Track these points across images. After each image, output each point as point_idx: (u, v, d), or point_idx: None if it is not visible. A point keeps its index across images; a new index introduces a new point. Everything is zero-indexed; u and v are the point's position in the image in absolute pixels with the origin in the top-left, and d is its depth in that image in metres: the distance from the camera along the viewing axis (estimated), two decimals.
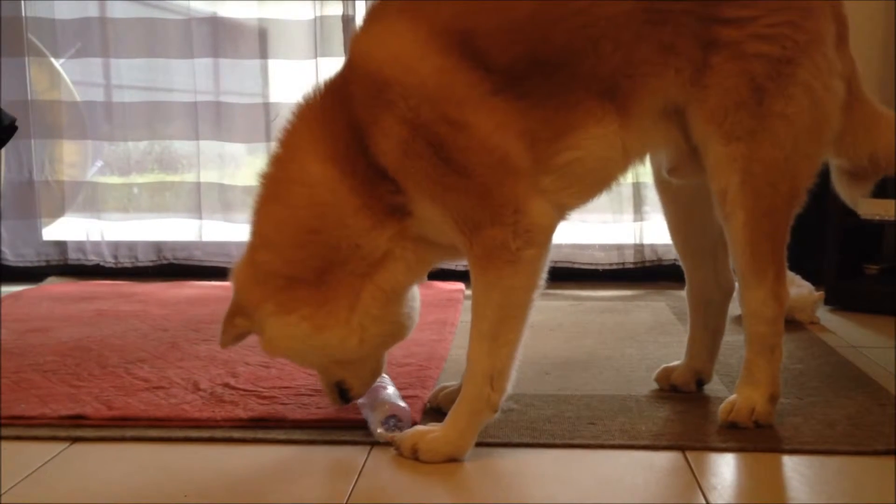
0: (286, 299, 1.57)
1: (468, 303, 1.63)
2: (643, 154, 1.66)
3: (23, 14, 3.41)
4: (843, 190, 1.86)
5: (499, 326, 1.54)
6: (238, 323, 1.63)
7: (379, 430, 1.63)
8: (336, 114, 1.56)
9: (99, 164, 3.63)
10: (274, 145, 1.64)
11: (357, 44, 1.58)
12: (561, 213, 1.60)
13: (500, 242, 1.51)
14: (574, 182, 1.58)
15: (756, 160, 1.60)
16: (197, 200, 3.51)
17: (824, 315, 2.72)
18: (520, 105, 1.51)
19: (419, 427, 1.61)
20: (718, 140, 1.60)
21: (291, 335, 1.59)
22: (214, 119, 3.46)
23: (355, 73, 1.55)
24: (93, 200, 3.57)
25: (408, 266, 1.59)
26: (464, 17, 1.52)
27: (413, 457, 1.56)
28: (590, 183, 1.63)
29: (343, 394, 1.69)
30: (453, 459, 1.55)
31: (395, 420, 1.64)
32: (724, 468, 1.57)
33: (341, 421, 1.74)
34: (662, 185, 1.85)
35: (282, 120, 3.57)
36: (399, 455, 1.57)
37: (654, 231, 3.30)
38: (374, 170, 1.53)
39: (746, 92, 1.58)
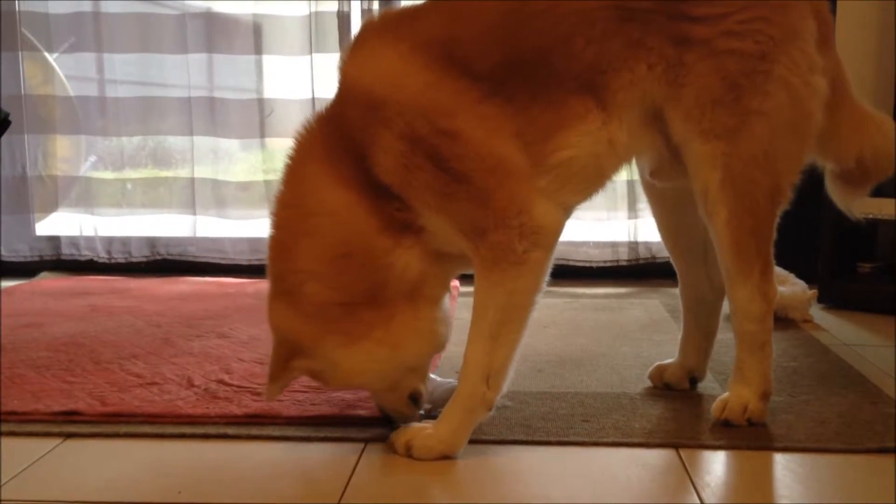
0: (352, 327, 1.54)
1: (463, 300, 1.64)
2: (631, 153, 1.67)
3: (16, 8, 3.40)
4: (836, 196, 1.87)
5: (499, 327, 1.55)
6: (297, 365, 1.56)
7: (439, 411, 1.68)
8: (337, 141, 1.56)
9: (92, 159, 3.62)
10: (279, 184, 1.62)
11: (346, 70, 1.60)
12: (564, 212, 1.62)
13: (505, 245, 1.52)
14: (570, 180, 1.59)
15: (736, 157, 1.60)
16: (191, 196, 3.51)
17: (818, 313, 2.73)
18: (507, 109, 1.53)
19: (413, 424, 1.61)
20: (697, 138, 1.61)
21: (372, 360, 1.56)
22: (208, 115, 3.45)
23: (348, 97, 1.58)
24: (86, 195, 3.56)
25: (437, 280, 1.61)
26: (440, 29, 1.56)
27: (406, 454, 1.56)
28: (585, 179, 1.63)
29: (416, 401, 1.67)
30: (446, 457, 1.55)
31: None
32: (717, 466, 1.57)
33: (336, 418, 1.74)
34: (649, 188, 1.86)
35: (277, 116, 3.55)
36: (392, 452, 1.57)
37: (648, 228, 3.29)
38: (381, 190, 1.54)
39: (722, 89, 1.58)
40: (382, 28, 1.60)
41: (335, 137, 1.57)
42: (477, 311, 1.56)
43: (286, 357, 1.56)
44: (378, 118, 1.52)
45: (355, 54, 1.61)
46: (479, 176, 1.51)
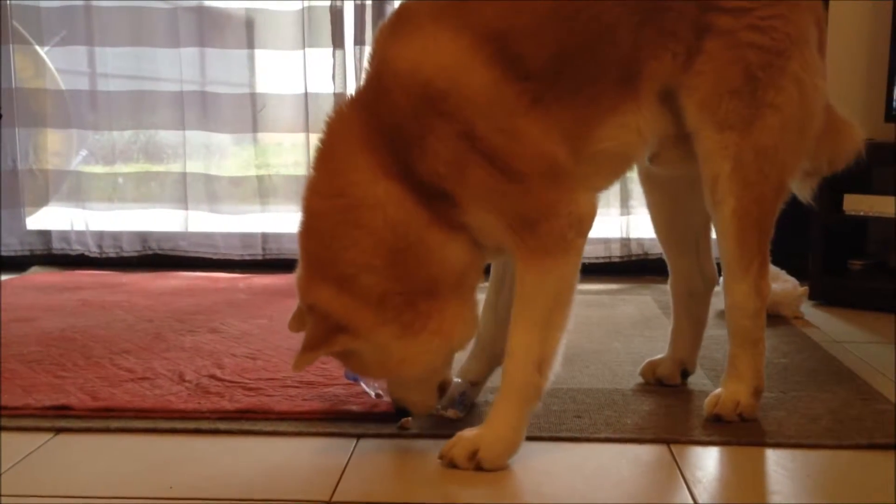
0: (411, 319, 1.52)
1: None
2: (654, 138, 1.67)
3: (7, 1, 3.39)
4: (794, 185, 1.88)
5: (550, 313, 1.54)
6: (342, 340, 1.52)
7: (451, 410, 1.69)
8: (378, 129, 1.52)
9: (83, 153, 3.61)
10: (312, 169, 1.57)
11: (395, 52, 1.53)
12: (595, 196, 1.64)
13: (558, 234, 1.52)
14: (603, 166, 1.62)
15: (747, 149, 1.63)
16: (183, 191, 3.50)
17: (809, 310, 2.74)
18: (556, 108, 1.52)
19: (462, 433, 1.55)
20: (711, 127, 1.63)
21: (426, 350, 1.55)
22: (200, 109, 3.45)
23: (398, 84, 1.50)
24: (77, 190, 3.55)
25: (477, 269, 1.60)
26: (496, 21, 1.52)
27: (474, 467, 1.50)
28: (616, 166, 1.67)
29: (443, 391, 1.66)
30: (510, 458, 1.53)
31: (465, 397, 1.72)
32: (709, 461, 1.58)
33: (328, 413, 1.74)
34: (646, 175, 1.87)
35: (269, 110, 3.53)
36: (451, 467, 1.51)
37: (640, 225, 3.31)
38: (422, 181, 1.50)
39: (741, 80, 1.61)
40: (437, 14, 1.53)
41: (376, 125, 1.52)
42: (525, 300, 1.54)
43: (331, 331, 1.51)
44: (436, 111, 1.48)
45: (407, 39, 1.53)
46: (536, 175, 1.50)
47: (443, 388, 1.65)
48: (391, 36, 1.55)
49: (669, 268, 1.93)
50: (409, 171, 1.50)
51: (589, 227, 1.57)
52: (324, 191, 1.55)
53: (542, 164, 1.50)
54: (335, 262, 1.52)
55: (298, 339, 2.09)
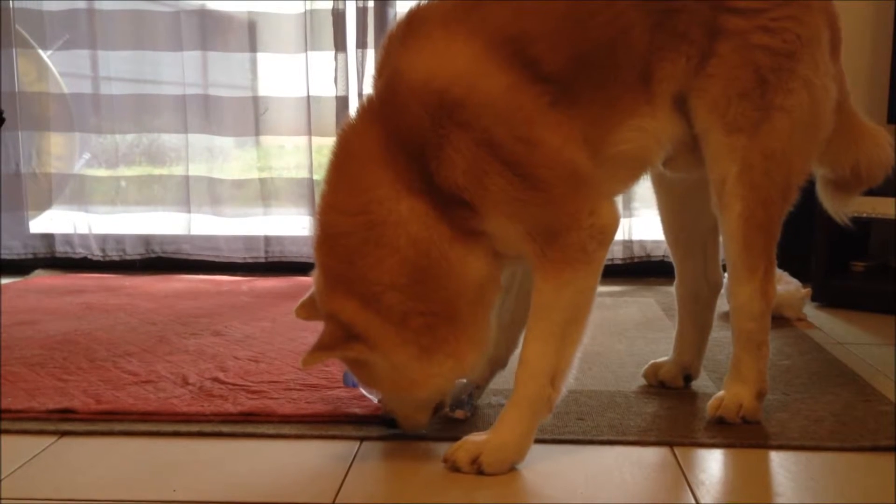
0: (430, 342, 1.51)
1: None
2: (669, 142, 1.65)
3: (10, 5, 3.39)
4: (827, 201, 1.91)
5: (567, 326, 1.52)
6: (357, 349, 1.50)
7: (458, 411, 1.69)
8: (394, 142, 1.49)
9: (86, 156, 3.61)
10: (326, 185, 1.55)
11: (407, 62, 1.50)
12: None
13: (578, 245, 1.50)
14: (619, 170, 1.61)
15: (755, 151, 1.62)
16: (185, 194, 3.50)
17: (811, 312, 2.74)
18: (573, 112, 1.51)
19: (468, 438, 1.54)
20: (720, 129, 1.62)
21: (440, 374, 1.54)
22: (203, 112, 3.45)
23: (414, 95, 1.47)
24: (80, 193, 3.55)
25: (496, 283, 1.58)
26: (510, 24, 1.50)
27: (475, 471, 1.49)
28: (632, 170, 1.66)
29: (437, 412, 1.66)
30: (513, 466, 1.52)
31: (472, 398, 1.73)
32: (712, 464, 1.58)
33: (331, 416, 1.74)
34: (657, 178, 1.87)
35: (271, 113, 3.53)
36: (453, 470, 1.50)
37: (643, 227, 3.31)
38: (442, 194, 1.49)
39: (751, 83, 1.61)
40: (447, 20, 1.51)
41: (392, 138, 1.50)
42: (541, 311, 1.53)
43: (350, 337, 1.50)
44: (454, 120, 1.45)
45: (418, 48, 1.51)
46: (558, 182, 1.48)
47: (438, 409, 1.65)
48: (401, 45, 1.53)
49: (676, 270, 1.93)
50: (428, 183, 1.48)
51: (611, 238, 1.55)
52: (344, 208, 1.52)
53: (563, 171, 1.49)
54: (359, 280, 1.50)
55: (301, 341, 2.10)
